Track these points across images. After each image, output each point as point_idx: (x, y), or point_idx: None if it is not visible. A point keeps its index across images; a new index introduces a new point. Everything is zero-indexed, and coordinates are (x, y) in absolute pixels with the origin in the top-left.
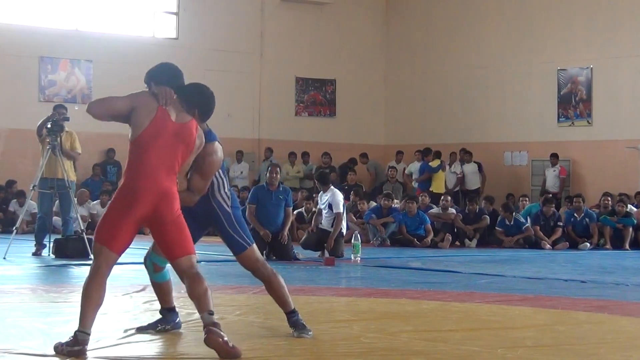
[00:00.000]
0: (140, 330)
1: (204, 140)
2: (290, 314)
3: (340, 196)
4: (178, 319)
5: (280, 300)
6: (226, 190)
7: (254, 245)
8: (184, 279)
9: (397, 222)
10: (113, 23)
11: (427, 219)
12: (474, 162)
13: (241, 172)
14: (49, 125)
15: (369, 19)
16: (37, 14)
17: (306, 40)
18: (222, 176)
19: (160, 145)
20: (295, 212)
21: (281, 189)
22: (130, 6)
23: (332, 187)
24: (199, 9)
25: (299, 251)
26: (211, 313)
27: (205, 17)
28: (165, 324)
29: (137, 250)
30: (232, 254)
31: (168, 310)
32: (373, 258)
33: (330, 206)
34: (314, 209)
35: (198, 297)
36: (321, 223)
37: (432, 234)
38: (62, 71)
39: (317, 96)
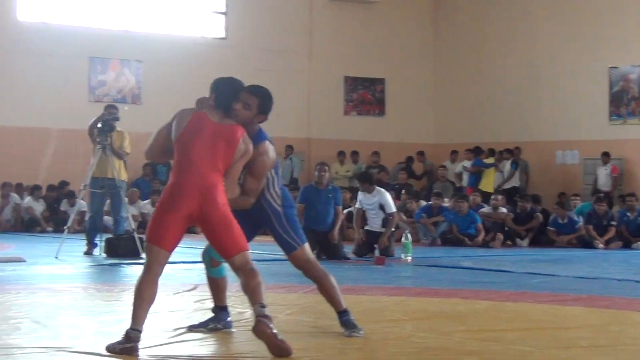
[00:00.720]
0: (192, 328)
1: (251, 147)
2: (342, 314)
3: (389, 196)
4: (229, 319)
5: (332, 300)
6: (276, 188)
7: (306, 245)
8: (239, 275)
9: (448, 222)
10: (162, 23)
11: (478, 218)
12: (513, 160)
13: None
14: (99, 125)
15: (418, 16)
16: (87, 15)
17: (355, 39)
18: (274, 174)
19: (200, 142)
20: (345, 211)
21: (330, 187)
22: (179, 6)
23: (377, 187)
24: (247, 9)
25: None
26: (263, 306)
27: (254, 16)
28: (217, 322)
29: (189, 249)
30: (284, 254)
31: (220, 309)
32: (424, 257)
33: (380, 207)
34: (351, 209)
35: (251, 290)
36: (367, 224)
37: (483, 233)
38: (112, 71)
39: (365, 95)
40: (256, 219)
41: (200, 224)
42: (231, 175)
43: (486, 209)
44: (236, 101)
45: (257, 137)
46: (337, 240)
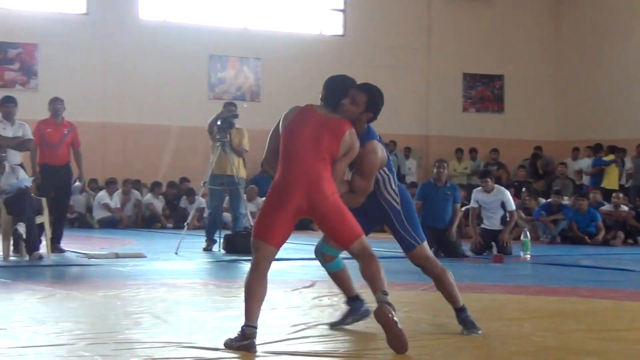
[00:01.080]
0: (333, 326)
1: (357, 144)
2: (459, 311)
3: (509, 194)
4: (366, 306)
5: (450, 297)
6: (393, 186)
7: (425, 243)
8: (359, 262)
9: (568, 219)
10: (281, 21)
11: (598, 216)
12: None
13: (409, 169)
14: (219, 123)
15: (538, 12)
16: (207, 14)
17: (473, 35)
18: (388, 172)
19: (305, 132)
20: (463, 208)
21: (448, 185)
22: (297, 4)
23: (496, 185)
24: (365, 6)
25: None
26: (385, 293)
27: (371, 13)
28: (354, 314)
29: (305, 245)
30: (402, 251)
31: (353, 300)
32: (543, 255)
33: (502, 205)
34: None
35: (371, 276)
36: (483, 223)
37: (603, 231)
38: (231, 69)
39: (484, 92)
40: (373, 217)
41: (311, 216)
42: (336, 172)
43: (607, 206)
44: (345, 97)
45: (366, 136)
46: (455, 238)
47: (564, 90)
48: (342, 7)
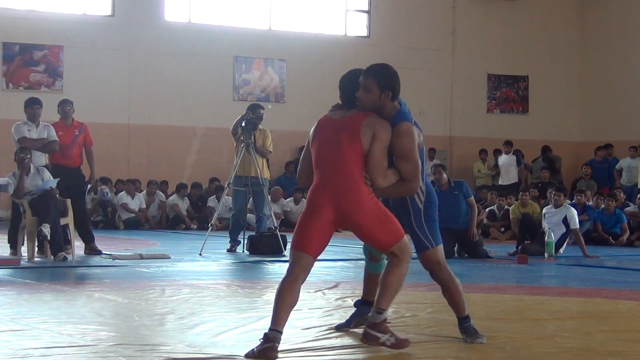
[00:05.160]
0: (337, 328)
1: (382, 128)
2: (463, 320)
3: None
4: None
5: (456, 305)
6: (421, 183)
7: (439, 247)
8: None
9: (592, 220)
10: (305, 22)
11: (624, 217)
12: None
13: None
14: (243, 124)
15: (563, 12)
16: (232, 15)
17: (498, 36)
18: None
19: (323, 143)
20: (487, 209)
21: (452, 184)
22: (321, 5)
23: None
24: (390, 7)
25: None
26: (379, 312)
27: (396, 14)
28: (359, 317)
29: (329, 247)
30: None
31: (364, 304)
32: (566, 256)
33: (564, 220)
34: (493, 208)
35: (381, 286)
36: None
37: (628, 233)
38: (255, 70)
39: (509, 93)
40: (396, 213)
41: (349, 226)
42: (372, 162)
43: (632, 207)
44: (358, 89)
45: (396, 118)
46: (477, 238)
47: (589, 91)
48: (366, 8)
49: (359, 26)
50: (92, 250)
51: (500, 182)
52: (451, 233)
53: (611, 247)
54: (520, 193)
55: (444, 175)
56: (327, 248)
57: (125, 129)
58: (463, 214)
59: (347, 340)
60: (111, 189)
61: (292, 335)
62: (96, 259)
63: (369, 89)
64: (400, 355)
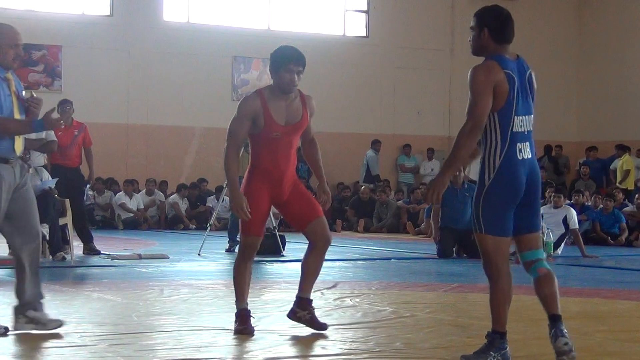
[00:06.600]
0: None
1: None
2: (494, 334)
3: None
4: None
5: (492, 312)
6: (496, 158)
7: (488, 237)
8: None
9: (590, 220)
10: (304, 22)
11: (623, 217)
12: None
13: (432, 170)
14: None
15: (561, 12)
16: (230, 15)
17: None
18: (499, 139)
19: None
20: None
21: (466, 185)
22: (320, 5)
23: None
24: (388, 7)
25: None
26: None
27: (395, 14)
28: None
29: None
30: (423, 252)
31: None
32: (565, 256)
33: (564, 221)
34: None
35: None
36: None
37: (626, 232)
38: (254, 70)
39: None
40: None
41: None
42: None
43: (630, 207)
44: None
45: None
46: None
47: (586, 90)
48: (365, 9)
49: (357, 26)
50: (90, 250)
51: None
52: (452, 233)
53: (610, 247)
54: None
55: (462, 174)
56: (331, 248)
57: (123, 129)
58: (467, 216)
59: (346, 339)
60: (101, 188)
61: (290, 334)
62: (95, 259)
63: (473, 28)
64: (399, 355)
